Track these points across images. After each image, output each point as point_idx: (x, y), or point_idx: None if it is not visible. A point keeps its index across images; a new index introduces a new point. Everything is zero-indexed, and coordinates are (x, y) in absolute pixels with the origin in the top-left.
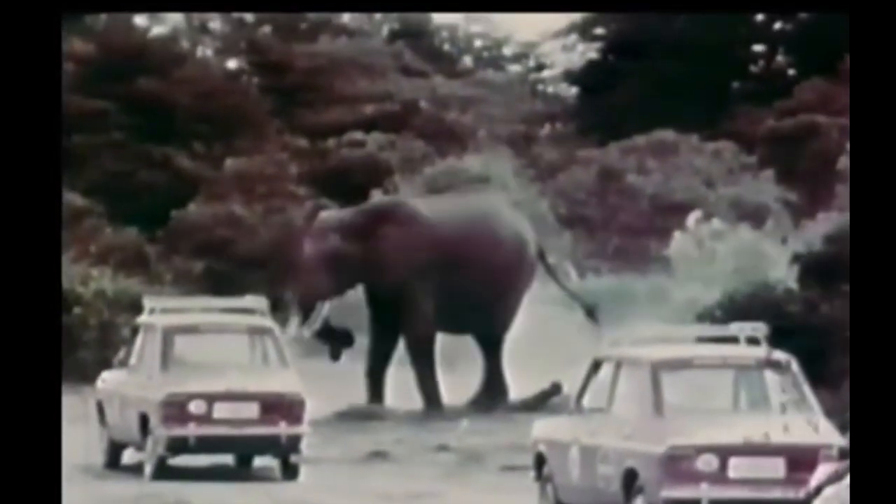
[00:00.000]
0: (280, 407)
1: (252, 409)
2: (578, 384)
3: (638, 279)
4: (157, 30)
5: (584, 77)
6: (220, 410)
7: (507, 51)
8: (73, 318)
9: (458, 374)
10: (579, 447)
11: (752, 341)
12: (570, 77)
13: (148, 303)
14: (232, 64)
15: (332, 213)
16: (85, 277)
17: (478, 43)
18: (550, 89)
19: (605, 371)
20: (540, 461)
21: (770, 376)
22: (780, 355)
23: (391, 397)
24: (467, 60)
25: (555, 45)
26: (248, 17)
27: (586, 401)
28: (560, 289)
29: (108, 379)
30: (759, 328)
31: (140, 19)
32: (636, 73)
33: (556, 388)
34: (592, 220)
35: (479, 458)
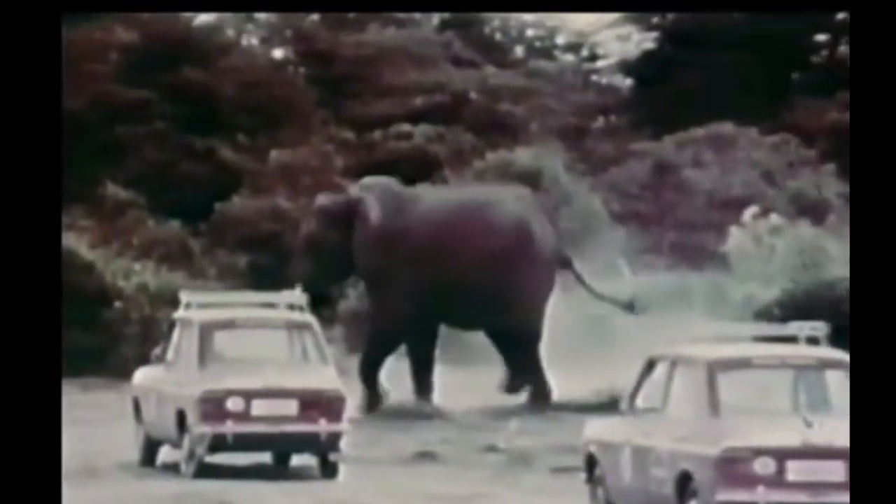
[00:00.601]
0: (319, 404)
1: (291, 406)
2: (632, 384)
3: (694, 276)
4: (202, 18)
5: (640, 67)
6: (259, 407)
7: (560, 40)
8: (115, 312)
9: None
10: (632, 448)
11: (812, 341)
12: (625, 67)
13: (185, 297)
14: (278, 53)
15: (322, 198)
16: (127, 271)
17: (530, 32)
18: (604, 80)
19: (660, 371)
20: (591, 463)
21: (830, 376)
22: (840, 355)
23: (439, 395)
24: (519, 50)
25: (609, 35)
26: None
27: (640, 401)
28: (589, 294)
29: (144, 375)
30: (819, 327)
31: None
32: (693, 63)
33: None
34: (647, 215)
35: (529, 459)
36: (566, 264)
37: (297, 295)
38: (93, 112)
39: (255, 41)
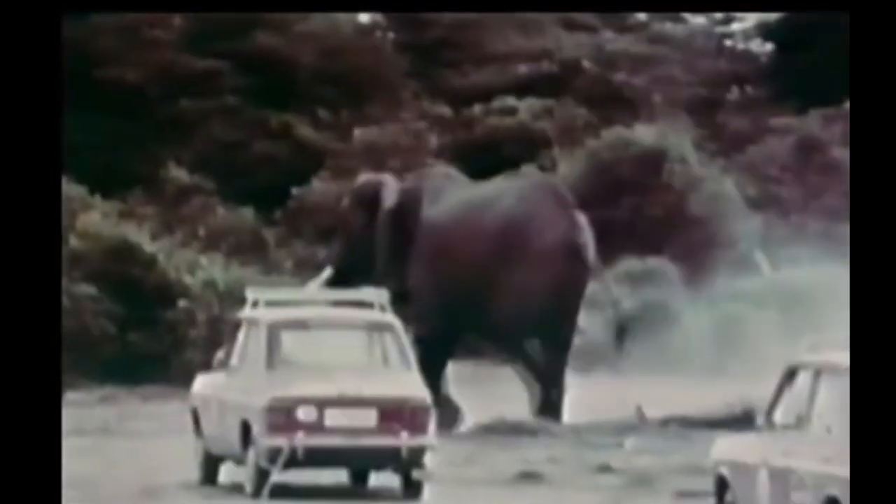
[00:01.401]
0: (401, 414)
1: (369, 417)
2: (769, 396)
3: (843, 270)
4: None
5: (781, 31)
6: (333, 417)
7: None
8: (179, 312)
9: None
10: (769, 470)
11: None
12: (764, 31)
13: (251, 294)
14: (363, 17)
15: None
16: (192, 265)
17: (667, 12)
18: (740, 46)
19: (802, 381)
20: (721, 486)
21: None
22: None
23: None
24: (640, 12)
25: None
26: None
27: (778, 416)
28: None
29: (205, 383)
30: None
31: None
32: (842, 27)
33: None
34: (788, 200)
35: (649, 481)
36: (580, 261)
37: (379, 292)
38: (154, 85)
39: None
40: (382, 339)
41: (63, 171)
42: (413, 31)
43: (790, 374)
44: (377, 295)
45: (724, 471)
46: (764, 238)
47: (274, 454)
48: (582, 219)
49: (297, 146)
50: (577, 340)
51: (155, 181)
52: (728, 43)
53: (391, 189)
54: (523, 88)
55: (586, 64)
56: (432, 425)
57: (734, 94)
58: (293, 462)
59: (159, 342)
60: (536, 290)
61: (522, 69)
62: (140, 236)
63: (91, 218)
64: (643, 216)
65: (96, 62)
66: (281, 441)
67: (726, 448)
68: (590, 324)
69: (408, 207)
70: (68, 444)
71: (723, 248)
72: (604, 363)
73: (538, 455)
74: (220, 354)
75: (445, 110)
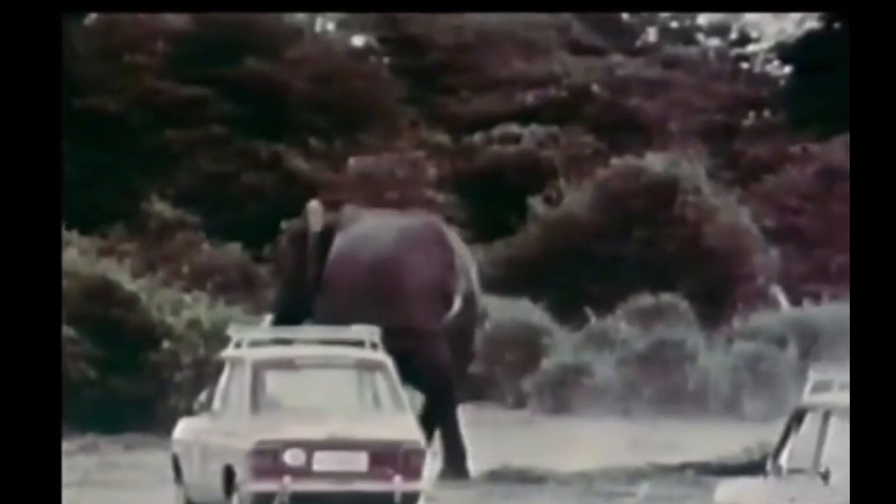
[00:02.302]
0: (394, 458)
1: (360, 461)
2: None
3: None
4: None
5: (800, 53)
6: (322, 461)
7: (703, 20)
8: (163, 354)
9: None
10: None
11: None
12: (783, 52)
13: (234, 333)
14: (358, 40)
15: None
16: (177, 305)
17: (665, 12)
18: (757, 68)
19: (811, 423)
20: None
21: None
22: None
23: (555, 453)
24: (652, 33)
25: (763, 13)
26: None
27: (785, 460)
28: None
29: (186, 427)
30: None
31: None
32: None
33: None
34: (810, 232)
35: None
36: (448, 306)
37: (369, 330)
38: (137, 113)
39: (330, 26)
40: (373, 379)
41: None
42: (410, 54)
43: (798, 417)
44: (368, 332)
45: None
46: (783, 273)
47: (259, 501)
48: (459, 262)
49: (288, 177)
50: (587, 382)
51: (137, 215)
52: (744, 66)
53: (316, 214)
54: (527, 115)
55: (595, 89)
56: (426, 469)
57: (751, 119)
58: None
59: (142, 387)
60: (401, 334)
61: (527, 95)
62: (120, 274)
63: (69, 255)
64: (655, 250)
65: (74, 89)
66: (267, 487)
67: (731, 493)
68: (599, 364)
69: (328, 234)
70: None
71: (739, 283)
72: (614, 406)
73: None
74: (201, 397)
75: (444, 138)
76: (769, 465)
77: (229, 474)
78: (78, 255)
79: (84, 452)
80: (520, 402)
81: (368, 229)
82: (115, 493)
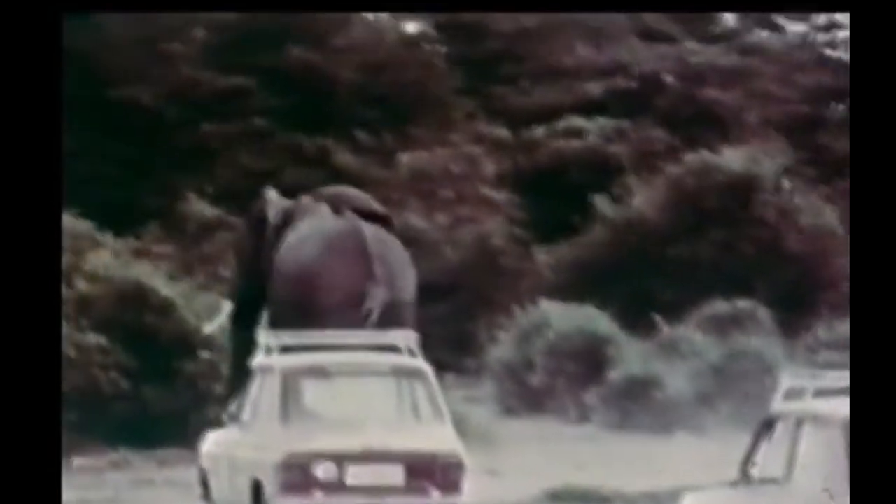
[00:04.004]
0: (431, 471)
1: (396, 474)
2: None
3: None
4: None
5: None
6: (355, 475)
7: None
8: (199, 364)
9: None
10: None
11: None
12: None
13: (264, 339)
14: (411, 27)
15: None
16: (215, 311)
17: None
18: (844, 55)
19: (781, 431)
20: None
21: None
22: None
23: (621, 472)
24: (729, 19)
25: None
26: None
27: (756, 469)
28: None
29: (215, 440)
30: None
31: None
32: None
33: None
34: None
35: None
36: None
37: (405, 335)
38: (173, 106)
39: (381, 12)
40: (410, 387)
41: (65, 202)
42: (466, 42)
43: (767, 425)
44: (404, 338)
45: None
46: None
47: None
48: (380, 271)
49: (335, 174)
50: (657, 395)
51: (173, 216)
52: (830, 53)
53: (274, 205)
54: (593, 107)
55: (667, 79)
56: (466, 482)
57: (837, 111)
58: None
59: (177, 399)
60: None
61: (593, 86)
62: (155, 279)
63: (100, 258)
64: (732, 253)
65: (106, 81)
66: (297, 502)
67: (697, 502)
68: (669, 376)
69: (283, 227)
70: None
71: (823, 288)
72: (687, 421)
73: None
74: (231, 408)
75: (503, 132)
76: (739, 474)
77: (258, 489)
78: (111, 257)
79: (115, 469)
80: (583, 417)
81: (304, 231)
82: None
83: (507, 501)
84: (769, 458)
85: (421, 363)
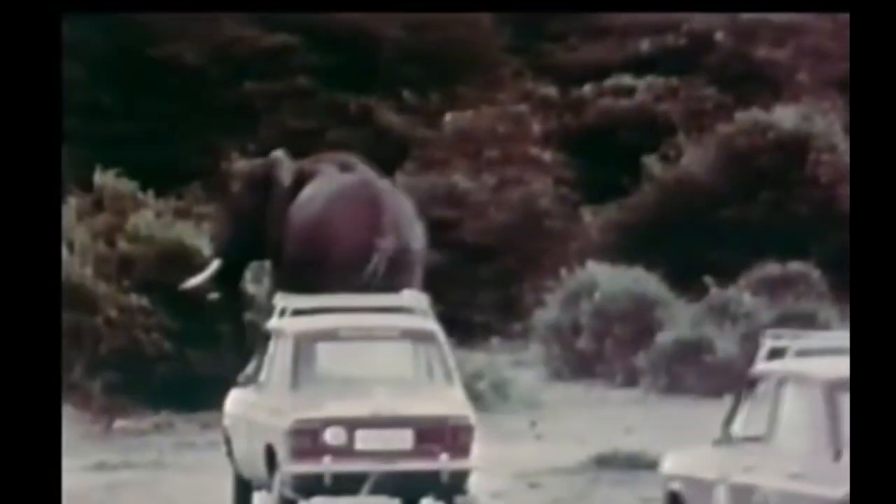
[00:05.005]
0: (441, 435)
1: (405, 438)
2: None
3: None
4: None
5: None
6: (364, 440)
7: None
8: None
9: None
10: (728, 487)
11: None
12: None
13: (280, 301)
14: None
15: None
16: (258, 272)
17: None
18: None
19: (764, 391)
20: (674, 502)
21: None
22: None
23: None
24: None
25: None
26: None
27: (737, 427)
28: None
29: (236, 399)
30: None
31: None
32: None
33: None
34: None
35: None
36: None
37: (417, 297)
38: (215, 64)
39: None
40: (420, 350)
41: (65, 176)
42: None
43: (750, 384)
44: (416, 300)
45: (677, 486)
46: None
47: (299, 482)
48: (389, 220)
49: (379, 133)
50: (707, 358)
51: (216, 175)
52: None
53: (287, 167)
54: (643, 65)
55: (718, 36)
56: (475, 446)
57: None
58: (320, 490)
59: (220, 361)
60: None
61: (642, 43)
62: (198, 239)
63: (143, 218)
64: (784, 214)
65: (148, 39)
66: (307, 468)
67: (680, 462)
68: (720, 339)
69: (296, 188)
70: (116, 478)
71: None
72: (737, 385)
73: (659, 492)
74: (248, 369)
75: (551, 91)
76: (722, 434)
77: (271, 453)
78: (153, 217)
79: (158, 432)
80: (631, 380)
81: (316, 188)
82: (195, 477)
83: (555, 466)
84: (752, 418)
85: (432, 324)
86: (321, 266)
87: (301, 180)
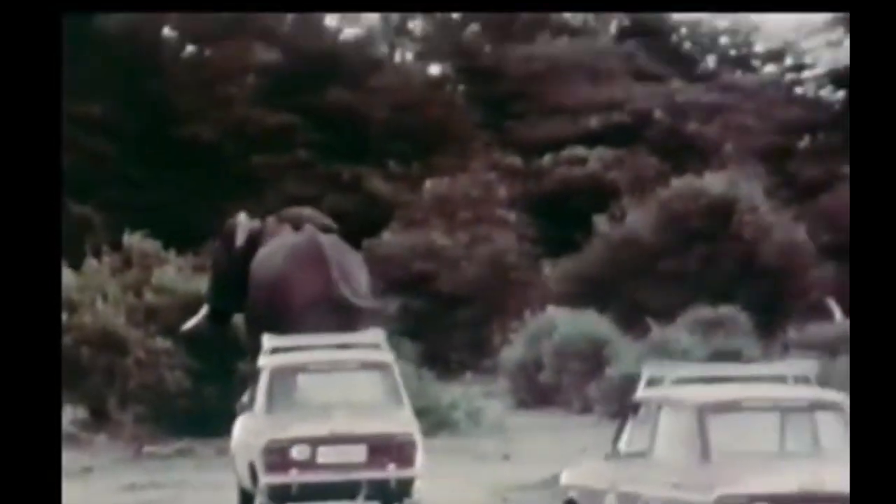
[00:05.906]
0: (389, 448)
1: (359, 452)
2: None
3: None
4: (350, 32)
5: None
6: (325, 455)
7: (759, 48)
8: (251, 365)
9: None
10: (616, 495)
11: (802, 380)
12: (836, 78)
13: (267, 342)
14: (435, 70)
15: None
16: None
17: (723, 40)
18: (811, 93)
19: (644, 413)
20: None
21: (821, 418)
22: (832, 396)
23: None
24: (711, 61)
25: (817, 41)
26: (454, 15)
27: (623, 444)
28: None
29: (238, 426)
30: (810, 367)
31: (331, 20)
32: None
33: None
34: None
35: None
36: (346, 310)
37: (375, 333)
38: (227, 140)
39: (409, 56)
40: (376, 378)
41: (66, 191)
42: (484, 82)
43: (634, 408)
44: (374, 335)
45: (574, 495)
46: (839, 287)
47: (272, 491)
48: (336, 273)
49: (368, 198)
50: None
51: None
52: (799, 91)
53: (243, 228)
54: (594, 139)
55: (657, 114)
56: (419, 458)
57: (806, 141)
58: (289, 497)
59: (233, 395)
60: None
61: (593, 120)
62: None
63: (166, 272)
64: (714, 265)
65: (170, 119)
66: (278, 479)
67: (576, 474)
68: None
69: (249, 246)
70: (145, 497)
71: (795, 296)
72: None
73: None
74: (243, 399)
75: (515, 161)
76: (610, 450)
77: (253, 468)
78: (175, 272)
79: (181, 456)
80: (586, 408)
81: (272, 247)
82: (211, 494)
83: (522, 483)
84: (635, 436)
85: (386, 356)
86: (283, 314)
87: (254, 239)
